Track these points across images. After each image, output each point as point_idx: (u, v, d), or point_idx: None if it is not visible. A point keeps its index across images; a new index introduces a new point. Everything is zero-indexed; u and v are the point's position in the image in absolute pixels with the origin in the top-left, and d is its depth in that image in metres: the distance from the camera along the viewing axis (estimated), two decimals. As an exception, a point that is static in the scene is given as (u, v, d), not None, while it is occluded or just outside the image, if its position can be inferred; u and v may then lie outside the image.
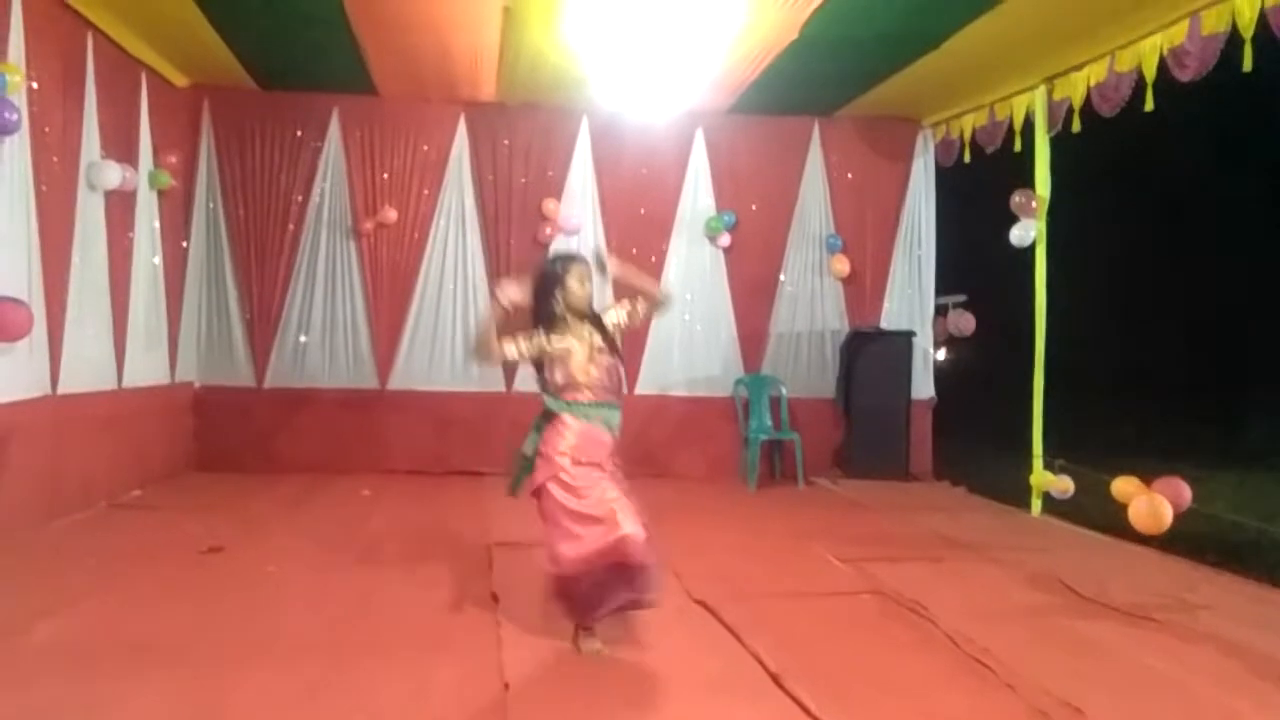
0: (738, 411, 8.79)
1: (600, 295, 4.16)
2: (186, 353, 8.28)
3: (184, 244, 8.27)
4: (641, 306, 4.16)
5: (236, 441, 8.32)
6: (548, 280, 4.05)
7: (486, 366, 4.04)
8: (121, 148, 6.99)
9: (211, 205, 8.46)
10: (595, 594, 3.80)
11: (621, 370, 4.25)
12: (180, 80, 8.07)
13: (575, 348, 4.02)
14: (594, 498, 3.84)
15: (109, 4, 6.39)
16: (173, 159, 7.82)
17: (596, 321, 4.07)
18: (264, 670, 3.65)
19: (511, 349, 4.03)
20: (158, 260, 7.71)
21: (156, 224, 7.73)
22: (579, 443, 3.99)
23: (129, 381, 7.14)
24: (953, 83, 7.67)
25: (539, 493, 4.01)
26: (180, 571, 5.08)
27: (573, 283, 4.02)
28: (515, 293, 4.06)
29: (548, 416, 4.08)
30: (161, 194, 7.75)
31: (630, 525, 3.72)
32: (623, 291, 4.13)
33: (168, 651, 3.83)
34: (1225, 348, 12.77)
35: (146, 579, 4.91)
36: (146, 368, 7.50)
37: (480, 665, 3.73)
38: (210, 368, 8.49)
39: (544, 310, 4.04)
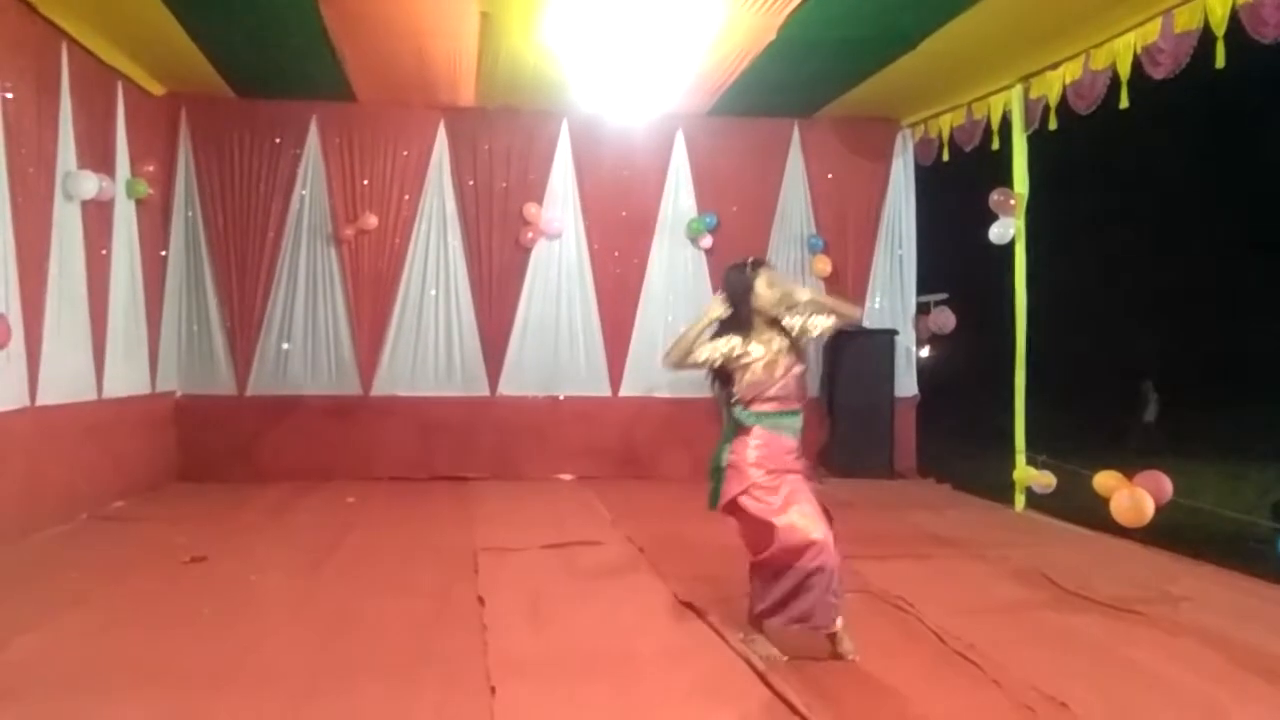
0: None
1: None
2: (167, 362, 8.22)
3: (163, 253, 8.22)
4: (824, 320, 4.04)
5: (219, 450, 8.27)
6: (737, 285, 4.00)
7: (677, 369, 4.04)
8: (98, 157, 6.95)
9: (190, 214, 8.42)
10: (778, 593, 3.88)
11: (805, 375, 4.17)
12: (157, 89, 8.01)
13: (762, 353, 3.98)
14: (783, 506, 3.88)
15: (83, 14, 6.35)
16: (150, 168, 7.78)
17: (780, 326, 4.02)
18: (248, 681, 3.63)
19: (705, 352, 3.99)
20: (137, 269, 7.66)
21: (135, 233, 7.68)
22: (767, 452, 3.98)
23: (109, 392, 7.09)
24: (930, 83, 7.72)
25: (732, 506, 3.99)
26: (163, 583, 5.04)
27: (761, 286, 3.98)
28: (720, 308, 4.02)
29: (736, 428, 4.03)
30: (139, 203, 7.71)
31: (818, 531, 3.82)
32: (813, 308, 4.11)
33: (151, 666, 3.80)
34: (1203, 342, 12.89)
35: (129, 592, 4.87)
36: (126, 378, 7.44)
37: (466, 670, 3.72)
38: (191, 376, 8.43)
39: (736, 315, 4.00)
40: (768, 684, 3.57)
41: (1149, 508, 5.55)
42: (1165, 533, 5.87)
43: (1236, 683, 3.69)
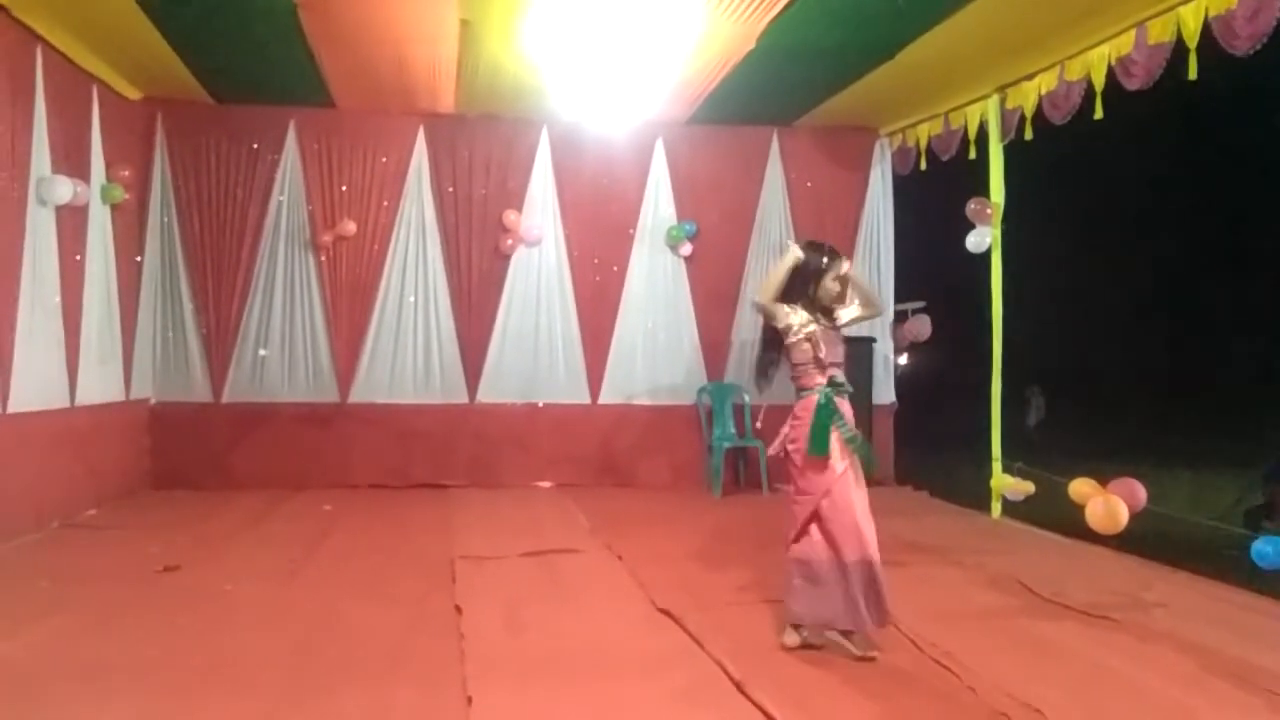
0: (701, 419, 8.81)
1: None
2: (141, 369, 8.14)
3: (138, 258, 8.14)
4: (853, 311, 4.38)
5: (194, 458, 8.20)
6: (808, 268, 4.24)
7: (761, 313, 4.36)
8: (73, 162, 6.88)
9: (166, 219, 8.35)
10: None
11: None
12: (133, 93, 7.96)
13: (821, 329, 4.25)
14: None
15: (59, 17, 6.29)
16: (126, 173, 7.70)
17: (829, 314, 4.31)
18: (222, 691, 3.59)
19: (785, 312, 4.23)
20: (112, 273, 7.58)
21: (109, 239, 7.61)
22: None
23: (82, 399, 7.01)
24: (908, 92, 7.77)
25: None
26: (136, 592, 4.98)
27: (829, 281, 4.25)
28: (796, 253, 4.25)
29: (833, 398, 4.19)
30: (114, 208, 7.64)
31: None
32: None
33: (122, 675, 3.76)
34: (1177, 349, 13.02)
35: (101, 600, 4.81)
36: (100, 384, 7.37)
37: (443, 680, 3.71)
38: (166, 383, 8.35)
39: (797, 292, 4.25)
40: (744, 693, 3.57)
41: (1123, 515, 5.59)
42: (1139, 540, 5.92)
43: (1208, 688, 3.72)
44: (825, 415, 4.12)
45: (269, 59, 7.05)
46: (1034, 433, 12.04)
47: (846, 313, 4.35)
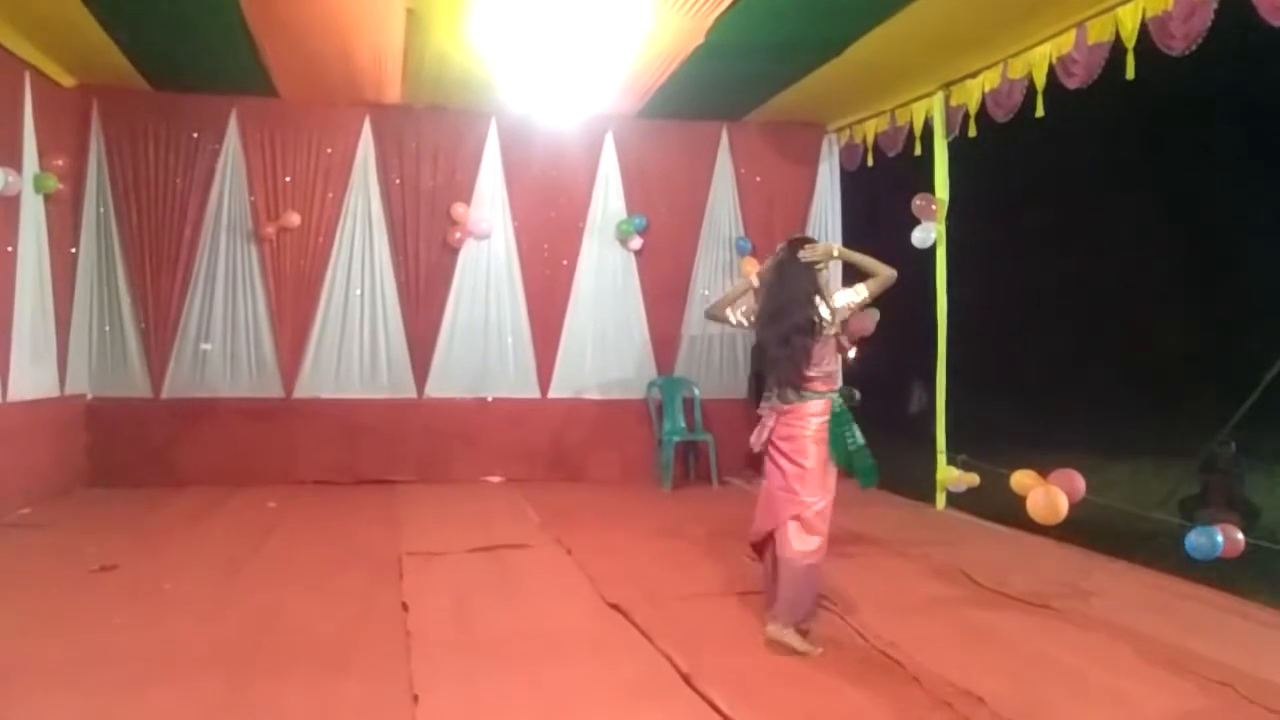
0: (651, 413, 8.82)
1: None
2: (77, 363, 7.92)
3: (73, 250, 7.91)
4: (871, 284, 4.41)
5: (132, 455, 7.99)
6: (783, 257, 4.34)
7: (715, 323, 4.98)
8: (3, 151, 6.66)
9: (102, 209, 8.13)
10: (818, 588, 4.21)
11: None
12: (67, 80, 7.73)
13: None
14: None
15: (-13, 1, 6.09)
16: (60, 162, 7.48)
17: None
18: (159, 692, 3.52)
19: (734, 315, 4.45)
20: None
21: (43, 230, 7.39)
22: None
23: (14, 394, 6.80)
24: (855, 89, 7.84)
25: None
26: (70, 591, 4.86)
27: (805, 254, 4.32)
28: (755, 279, 4.48)
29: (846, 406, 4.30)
30: (48, 198, 7.41)
31: None
32: (851, 274, 4.51)
33: (55, 675, 3.66)
34: (1114, 344, 13.31)
35: (34, 600, 4.70)
36: (33, 380, 7.15)
37: (389, 677, 3.67)
38: (103, 378, 8.13)
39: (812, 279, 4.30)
40: (692, 685, 3.58)
41: (1063, 505, 5.70)
42: (1079, 529, 6.05)
43: (1143, 674, 3.82)
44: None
45: (209, 46, 6.88)
46: (917, 421, 12.20)
47: (841, 296, 4.36)
